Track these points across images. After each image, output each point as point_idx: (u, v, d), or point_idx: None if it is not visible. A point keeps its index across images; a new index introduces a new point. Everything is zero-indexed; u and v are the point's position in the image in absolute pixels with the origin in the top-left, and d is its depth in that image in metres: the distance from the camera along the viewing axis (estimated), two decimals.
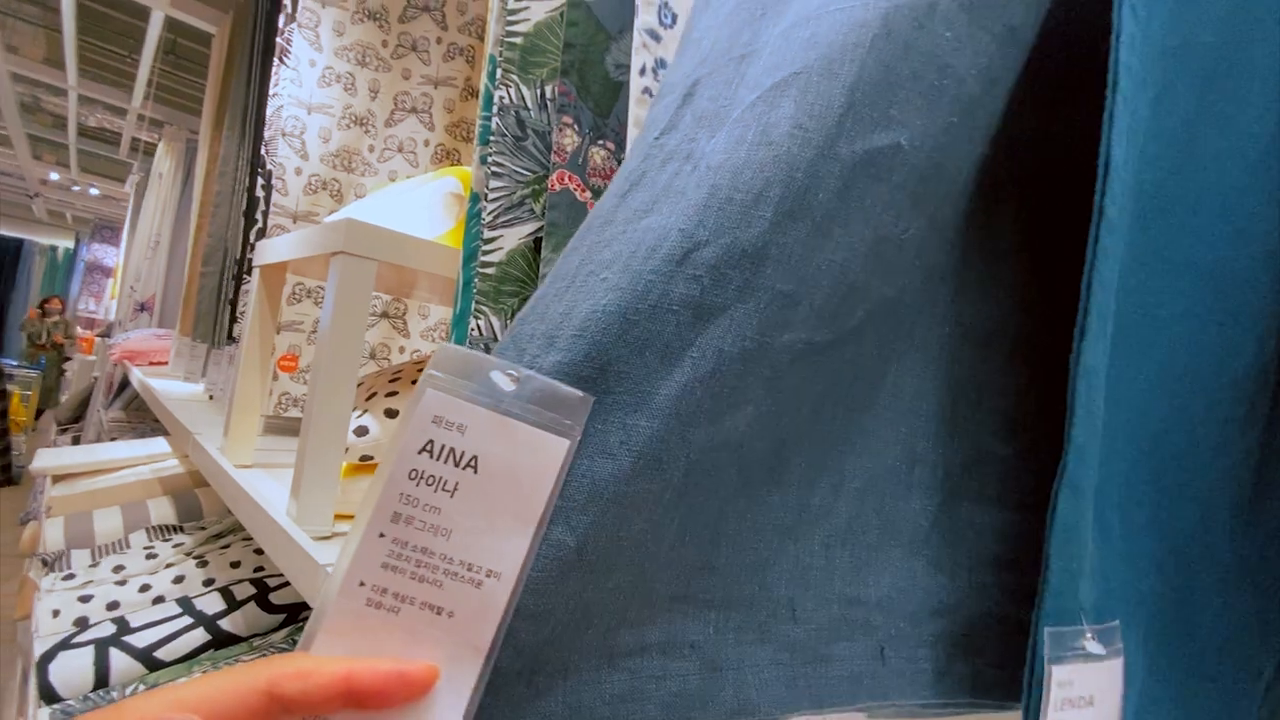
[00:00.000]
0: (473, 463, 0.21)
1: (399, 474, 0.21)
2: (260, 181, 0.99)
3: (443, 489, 0.21)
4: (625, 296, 0.22)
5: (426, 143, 1.11)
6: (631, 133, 0.35)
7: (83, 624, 0.74)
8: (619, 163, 0.38)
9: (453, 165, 1.10)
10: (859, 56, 0.23)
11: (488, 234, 0.42)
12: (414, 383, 0.65)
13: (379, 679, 0.20)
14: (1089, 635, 0.25)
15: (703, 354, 0.23)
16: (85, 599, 0.77)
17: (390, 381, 0.66)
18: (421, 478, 0.21)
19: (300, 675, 0.19)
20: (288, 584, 0.82)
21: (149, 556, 0.90)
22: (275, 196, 0.98)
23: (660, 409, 0.22)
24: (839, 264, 0.24)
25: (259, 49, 1.26)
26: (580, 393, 0.21)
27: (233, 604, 0.77)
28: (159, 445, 1.42)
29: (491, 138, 0.42)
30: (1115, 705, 0.25)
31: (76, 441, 2.25)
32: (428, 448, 0.21)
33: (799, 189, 0.23)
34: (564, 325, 0.23)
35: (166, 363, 1.59)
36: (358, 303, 0.51)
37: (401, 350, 1.07)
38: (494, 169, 0.42)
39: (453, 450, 0.21)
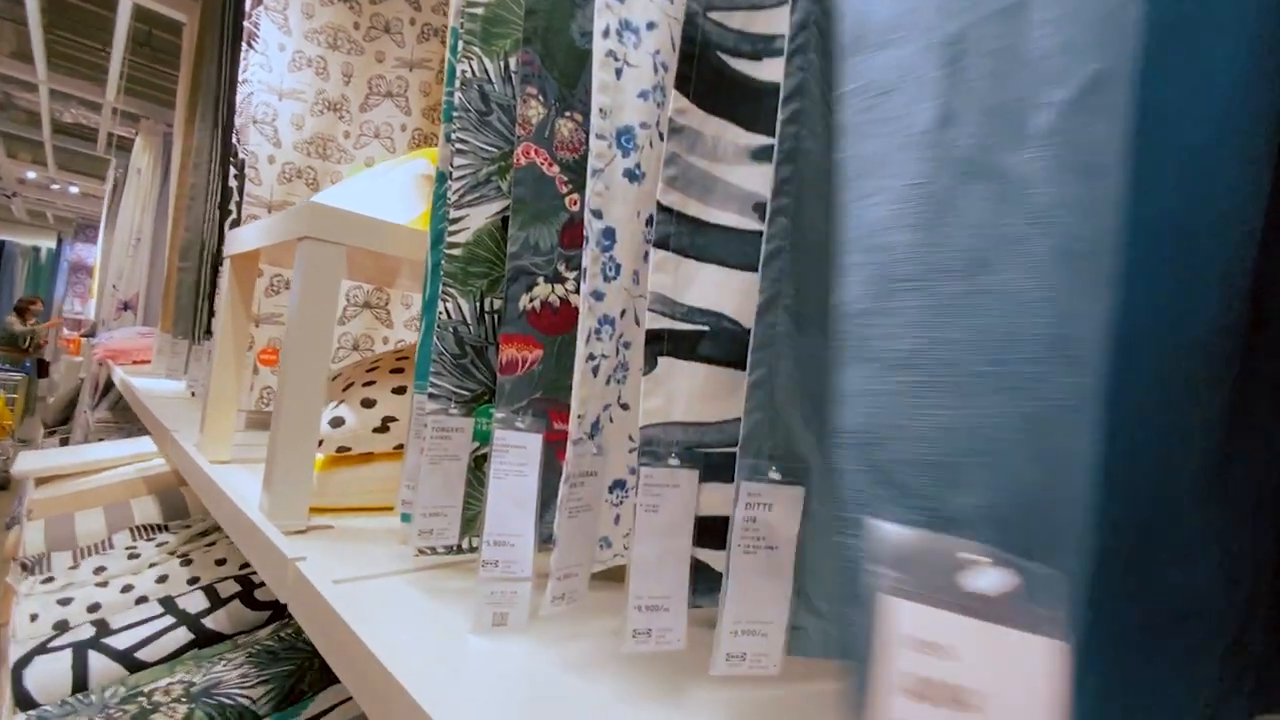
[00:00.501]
0: (975, 701, 0.15)
1: None
2: (233, 171, 0.97)
3: None
4: (1014, 399, 0.18)
5: (403, 127, 1.09)
6: (598, 99, 0.33)
7: (62, 627, 0.72)
8: (587, 134, 0.36)
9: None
10: (1140, 66, 0.20)
11: (453, 214, 0.40)
12: (392, 371, 0.63)
13: None
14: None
15: (1095, 446, 0.19)
16: (65, 602, 0.76)
17: (368, 371, 0.64)
18: None
19: None
20: None
21: (131, 557, 0.89)
22: (249, 186, 0.96)
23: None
24: None
25: (228, 35, 1.23)
26: (1049, 569, 0.16)
27: (216, 602, 0.75)
28: (145, 445, 1.40)
29: (455, 113, 0.41)
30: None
31: (65, 443, 2.23)
32: (915, 689, 0.15)
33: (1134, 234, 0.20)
34: (951, 449, 0.18)
35: (150, 361, 1.57)
36: (326, 289, 0.49)
37: (385, 340, 1.05)
38: (458, 146, 0.40)
39: (948, 687, 0.15)
